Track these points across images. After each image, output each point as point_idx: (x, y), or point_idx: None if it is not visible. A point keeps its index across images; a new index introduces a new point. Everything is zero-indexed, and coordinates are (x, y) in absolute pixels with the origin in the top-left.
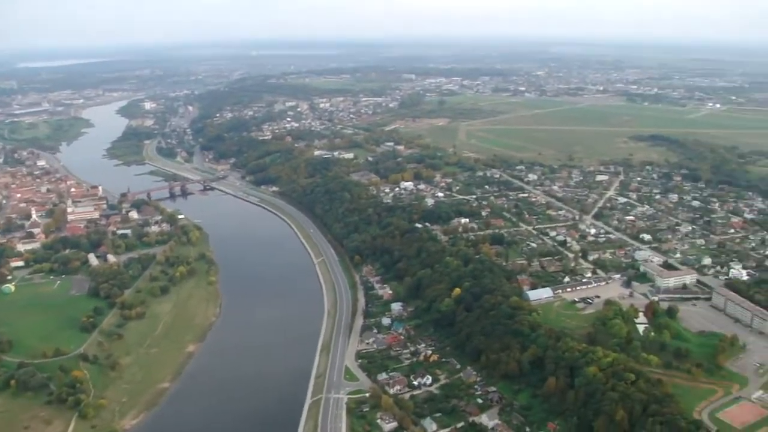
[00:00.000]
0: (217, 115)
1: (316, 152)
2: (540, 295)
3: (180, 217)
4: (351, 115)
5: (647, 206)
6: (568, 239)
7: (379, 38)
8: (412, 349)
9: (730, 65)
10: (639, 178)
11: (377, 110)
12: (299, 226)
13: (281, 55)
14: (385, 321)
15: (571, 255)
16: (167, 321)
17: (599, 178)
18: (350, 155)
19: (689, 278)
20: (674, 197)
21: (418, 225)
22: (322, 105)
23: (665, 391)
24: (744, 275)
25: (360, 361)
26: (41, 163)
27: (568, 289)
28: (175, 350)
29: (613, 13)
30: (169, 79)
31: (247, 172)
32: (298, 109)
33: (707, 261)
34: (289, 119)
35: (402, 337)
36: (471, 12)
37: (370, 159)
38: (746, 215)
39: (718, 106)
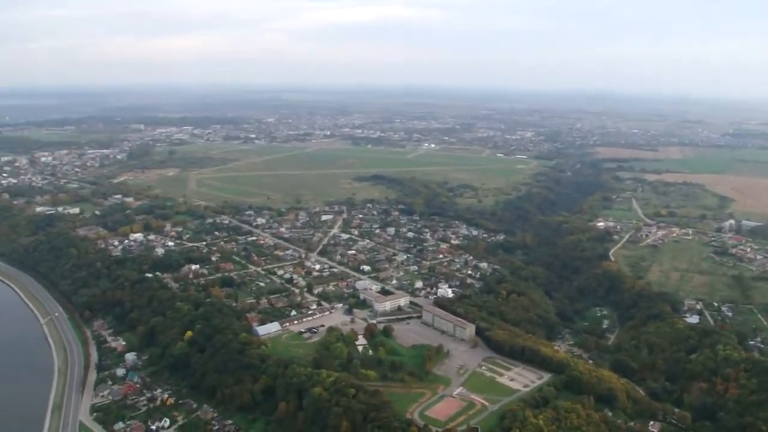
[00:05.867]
0: None
1: (38, 209)
2: (269, 329)
3: None
4: (76, 169)
5: (368, 240)
6: (295, 276)
7: (106, 86)
8: (149, 395)
9: (443, 109)
10: (361, 215)
11: (105, 162)
12: (23, 287)
13: None
14: (120, 372)
15: (297, 290)
16: None
17: (324, 217)
18: (76, 210)
19: (403, 301)
20: (392, 230)
21: (149, 275)
22: (44, 159)
23: (383, 400)
24: (449, 293)
25: (95, 414)
26: None
27: (295, 322)
28: None
29: (340, 64)
30: None
31: None
32: (16, 164)
33: (419, 284)
34: (5, 175)
35: (138, 386)
36: (199, 57)
37: (97, 213)
38: (452, 241)
39: (432, 146)
